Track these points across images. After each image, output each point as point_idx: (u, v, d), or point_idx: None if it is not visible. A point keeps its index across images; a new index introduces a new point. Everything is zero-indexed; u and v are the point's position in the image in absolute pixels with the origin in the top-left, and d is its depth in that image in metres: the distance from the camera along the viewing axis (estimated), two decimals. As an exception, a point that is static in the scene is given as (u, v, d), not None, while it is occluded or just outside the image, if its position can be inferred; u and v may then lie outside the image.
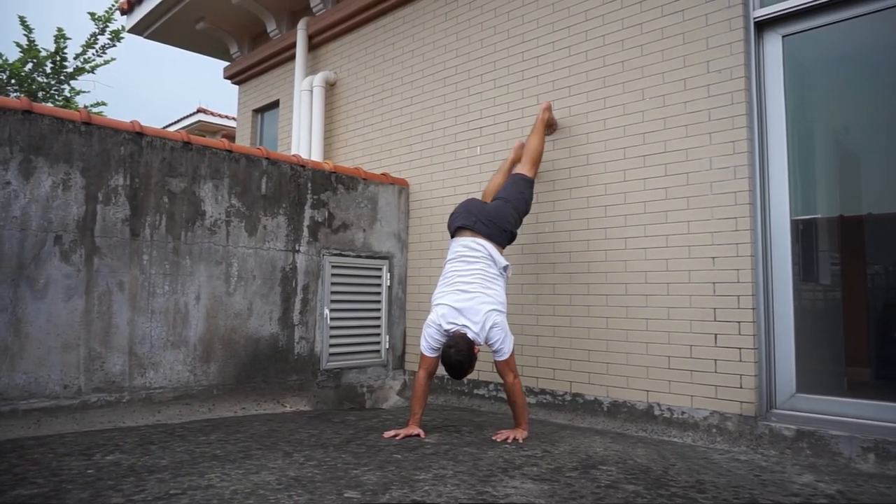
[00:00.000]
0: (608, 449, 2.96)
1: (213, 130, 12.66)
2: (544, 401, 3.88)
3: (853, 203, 3.37)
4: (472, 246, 3.30)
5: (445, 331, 3.16)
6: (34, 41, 10.69)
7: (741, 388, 3.09)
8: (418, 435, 3.14)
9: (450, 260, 3.35)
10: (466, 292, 3.18)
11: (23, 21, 10.64)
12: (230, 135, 11.90)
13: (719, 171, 3.24)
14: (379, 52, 5.39)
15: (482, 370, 4.26)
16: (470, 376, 4.29)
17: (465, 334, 3.10)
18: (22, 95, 10.43)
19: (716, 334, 3.19)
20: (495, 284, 3.25)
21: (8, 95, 10.32)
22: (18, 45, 10.68)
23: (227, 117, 12.70)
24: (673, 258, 3.38)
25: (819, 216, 3.30)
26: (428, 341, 3.22)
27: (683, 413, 3.26)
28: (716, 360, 3.18)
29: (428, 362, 3.23)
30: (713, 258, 3.24)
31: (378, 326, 4.66)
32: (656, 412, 3.37)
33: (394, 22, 5.28)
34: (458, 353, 3.04)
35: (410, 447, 2.92)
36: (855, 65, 3.28)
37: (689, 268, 3.32)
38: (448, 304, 3.18)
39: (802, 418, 2.98)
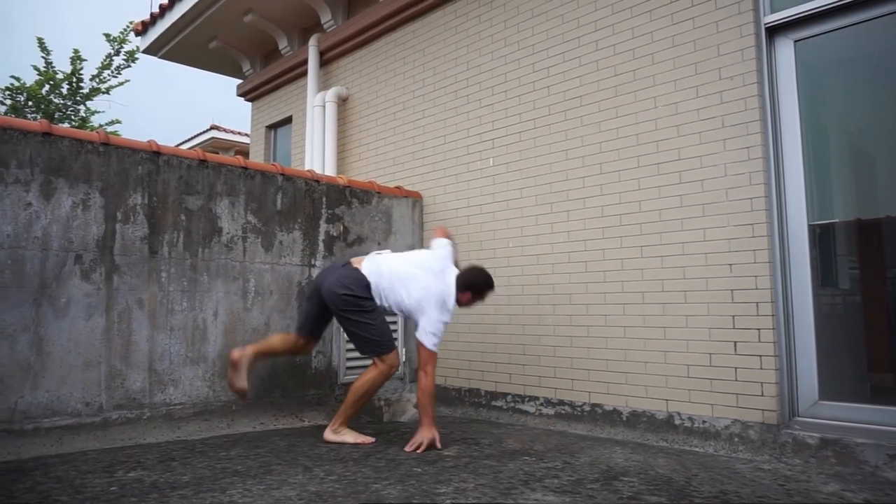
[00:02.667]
0: (629, 460, 2.94)
1: (227, 147, 12.80)
2: (563, 412, 3.86)
3: (870, 206, 3.34)
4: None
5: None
6: (51, 63, 10.90)
7: (762, 395, 3.05)
8: (436, 440, 3.19)
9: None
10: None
11: (41, 43, 10.85)
12: (243, 151, 12.03)
13: (734, 177, 3.23)
14: (390, 67, 5.44)
15: (499, 381, 4.26)
16: (487, 388, 4.30)
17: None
18: (40, 116, 10.62)
19: (735, 342, 3.17)
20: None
21: (26, 118, 10.51)
22: (36, 67, 10.89)
23: (239, 134, 12.85)
24: (690, 266, 3.37)
25: (836, 220, 3.27)
26: (439, 337, 3.25)
27: (704, 422, 3.23)
28: (736, 367, 3.15)
29: (435, 360, 3.26)
30: (730, 265, 3.22)
31: (395, 339, 4.66)
32: (676, 421, 3.34)
33: (404, 36, 5.33)
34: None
35: (430, 460, 2.92)
36: (869, 67, 3.26)
37: (706, 275, 3.30)
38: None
39: (826, 426, 2.94)
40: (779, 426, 3.00)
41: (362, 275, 3.31)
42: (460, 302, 3.39)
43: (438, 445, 3.17)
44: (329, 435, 3.35)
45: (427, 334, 3.21)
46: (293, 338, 3.53)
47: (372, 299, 3.30)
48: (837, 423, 2.93)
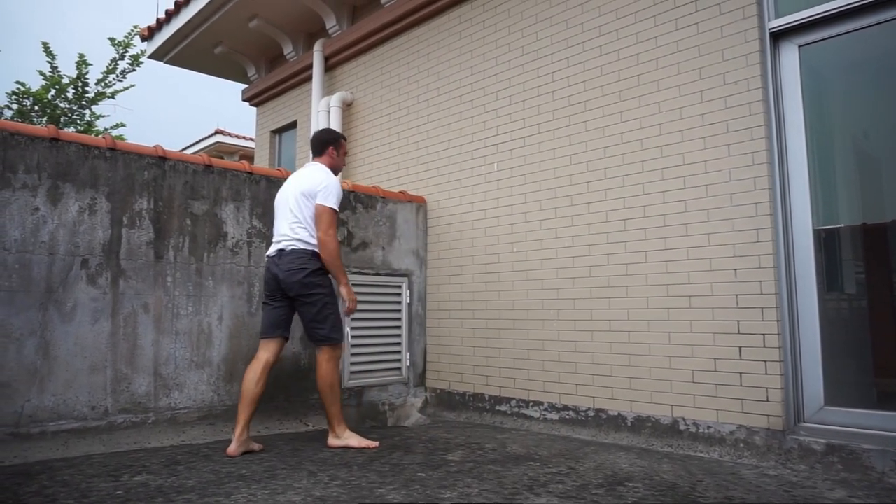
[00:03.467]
0: (634, 465, 2.93)
1: (231, 151, 12.83)
2: (567, 417, 3.86)
3: (876, 211, 3.33)
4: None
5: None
6: (57, 67, 10.96)
7: (768, 401, 3.05)
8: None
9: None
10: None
11: (46, 47, 10.92)
12: (248, 155, 12.06)
13: (739, 182, 3.23)
14: (395, 72, 5.46)
15: (503, 386, 4.25)
16: (491, 393, 4.30)
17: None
18: (46, 121, 10.68)
19: (740, 347, 3.16)
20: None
21: (32, 122, 10.57)
22: (41, 72, 10.96)
23: (244, 138, 12.88)
24: (694, 271, 3.36)
25: (842, 225, 3.27)
26: (339, 198, 3.42)
27: (709, 427, 3.22)
28: (741, 373, 3.14)
29: (336, 223, 3.43)
30: (735, 270, 3.21)
31: (399, 344, 4.67)
32: (681, 427, 3.33)
33: (409, 42, 5.35)
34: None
35: (434, 465, 2.92)
36: (873, 71, 3.25)
37: (710, 280, 3.30)
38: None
39: (832, 432, 2.93)
40: (784, 432, 2.99)
41: (295, 249, 3.34)
42: (332, 165, 3.58)
43: (354, 301, 3.44)
44: (333, 441, 3.36)
45: (328, 196, 3.35)
46: (262, 358, 3.29)
47: (326, 272, 3.38)
48: (844, 429, 2.92)
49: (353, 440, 3.35)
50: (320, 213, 3.33)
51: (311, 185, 3.38)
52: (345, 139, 3.73)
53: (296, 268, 3.29)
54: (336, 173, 3.59)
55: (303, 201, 3.37)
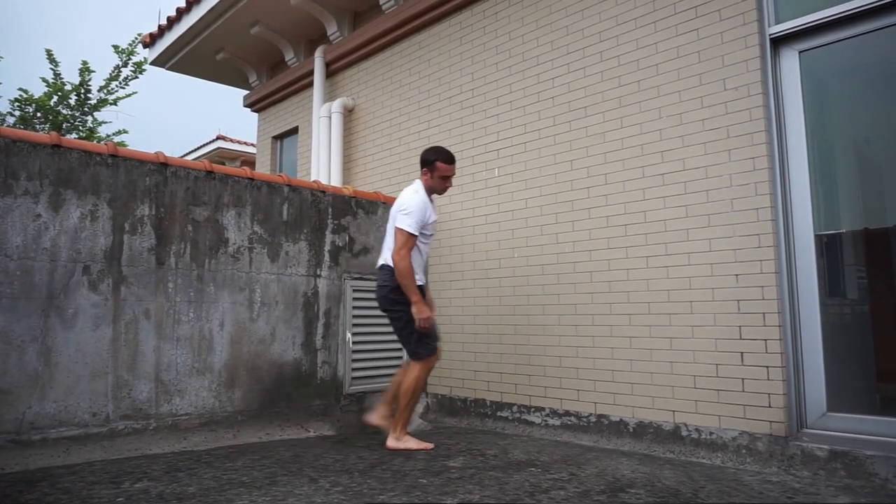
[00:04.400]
0: (636, 471, 2.92)
1: (233, 157, 12.86)
2: (569, 422, 3.85)
3: (877, 215, 3.33)
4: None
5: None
6: (60, 74, 11.00)
7: (770, 407, 3.04)
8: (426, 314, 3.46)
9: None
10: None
11: (49, 55, 10.97)
12: (249, 161, 12.08)
13: (740, 187, 3.23)
14: (395, 78, 5.47)
15: (505, 392, 4.25)
16: (492, 398, 4.29)
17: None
18: (48, 127, 10.71)
19: (742, 352, 3.15)
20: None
21: (34, 128, 10.59)
22: (44, 80, 11.00)
23: (245, 143, 12.90)
24: (695, 276, 3.36)
25: (843, 230, 3.26)
26: (416, 220, 3.42)
27: (711, 433, 3.21)
28: (743, 378, 3.14)
29: (411, 244, 3.44)
30: (736, 275, 3.21)
31: (400, 349, 4.66)
32: (683, 433, 3.32)
33: (409, 48, 5.37)
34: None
35: (435, 472, 2.91)
36: (874, 77, 3.25)
37: (712, 286, 3.30)
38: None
39: (835, 438, 2.92)
40: (787, 438, 2.98)
41: (384, 266, 3.51)
42: (430, 187, 3.59)
43: (427, 316, 3.40)
44: (392, 443, 3.44)
45: (405, 219, 3.40)
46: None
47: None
48: (846, 435, 2.91)
49: (411, 443, 3.45)
50: (396, 234, 3.42)
51: (396, 207, 3.50)
52: (446, 162, 3.58)
53: (381, 283, 3.48)
54: (435, 193, 3.63)
55: (391, 223, 3.52)
